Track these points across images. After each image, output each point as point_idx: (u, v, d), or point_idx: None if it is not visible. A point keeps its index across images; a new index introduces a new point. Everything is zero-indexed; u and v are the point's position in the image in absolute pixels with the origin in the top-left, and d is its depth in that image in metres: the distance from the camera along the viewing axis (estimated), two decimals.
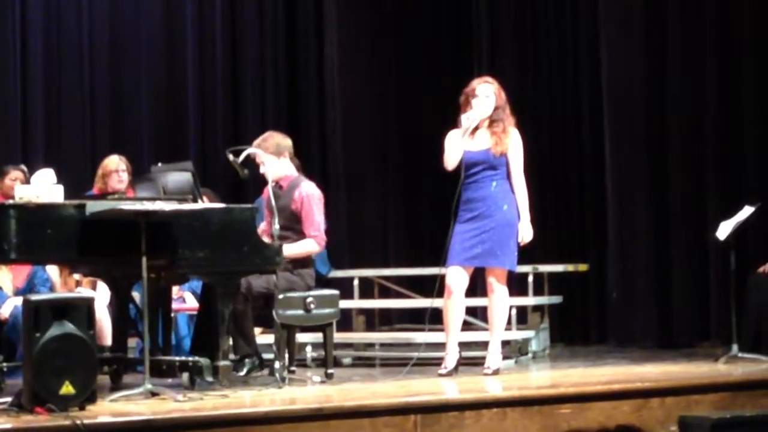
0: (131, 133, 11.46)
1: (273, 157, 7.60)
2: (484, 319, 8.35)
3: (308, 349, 9.04)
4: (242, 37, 12.01)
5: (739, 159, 9.92)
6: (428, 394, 6.56)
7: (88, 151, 11.16)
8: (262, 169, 7.55)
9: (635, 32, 10.40)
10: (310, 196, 7.61)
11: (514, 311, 8.92)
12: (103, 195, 8.33)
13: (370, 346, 9.89)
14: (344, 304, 8.82)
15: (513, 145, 7.65)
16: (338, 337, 8.70)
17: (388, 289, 10.84)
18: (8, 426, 5.44)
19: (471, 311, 9.29)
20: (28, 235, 6.54)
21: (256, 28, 12.02)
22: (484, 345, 7.97)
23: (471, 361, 8.02)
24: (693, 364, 8.14)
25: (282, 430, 5.82)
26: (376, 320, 10.61)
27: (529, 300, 9.63)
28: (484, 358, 7.76)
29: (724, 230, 8.46)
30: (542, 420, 6.37)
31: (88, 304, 6.12)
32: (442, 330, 7.77)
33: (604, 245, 10.57)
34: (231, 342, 7.28)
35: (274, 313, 7.23)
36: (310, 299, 7.47)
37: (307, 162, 9.25)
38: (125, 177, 8.80)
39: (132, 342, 7.97)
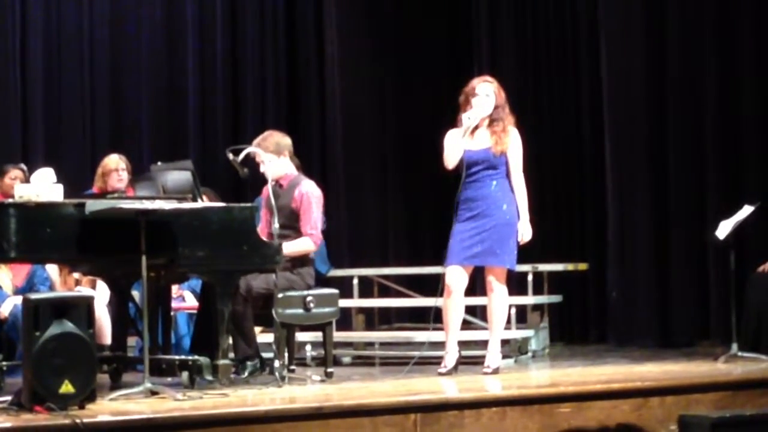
0: (131, 132, 11.47)
1: (273, 155, 7.60)
2: (484, 318, 8.35)
3: (308, 348, 9.04)
4: (242, 36, 12.01)
5: (739, 158, 9.92)
6: (428, 393, 6.55)
7: (88, 150, 11.17)
8: (262, 168, 7.55)
9: (635, 32, 10.40)
10: (309, 194, 7.61)
11: (513, 310, 8.93)
12: (103, 194, 8.34)
13: (369, 345, 9.90)
14: (344, 303, 8.83)
15: (513, 145, 7.64)
16: (338, 336, 8.70)
17: (388, 288, 10.85)
18: (8, 425, 5.43)
19: (470, 310, 9.29)
20: (28, 234, 6.54)
21: (256, 28, 12.02)
22: (483, 344, 7.97)
23: (471, 360, 8.02)
24: (693, 363, 8.14)
25: (282, 429, 5.82)
26: (376, 319, 10.62)
27: (529, 299, 9.63)
28: (483, 357, 7.76)
29: (723, 229, 8.46)
30: (542, 419, 6.37)
31: (87, 303, 6.12)
32: (442, 329, 7.77)
33: (604, 244, 10.58)
34: (230, 342, 7.27)
35: (273, 312, 7.23)
36: (309, 298, 7.47)
37: (307, 161, 9.25)
38: (125, 176, 8.80)
39: (132, 341, 7.97)
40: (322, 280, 9.17)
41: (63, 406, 5.75)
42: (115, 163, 8.85)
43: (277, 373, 7.04)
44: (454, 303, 7.59)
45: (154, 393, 6.39)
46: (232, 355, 7.30)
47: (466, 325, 8.45)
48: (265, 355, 7.55)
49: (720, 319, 9.57)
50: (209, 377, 6.80)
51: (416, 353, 8.07)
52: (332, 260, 10.45)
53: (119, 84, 11.57)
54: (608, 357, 9.01)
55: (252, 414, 5.88)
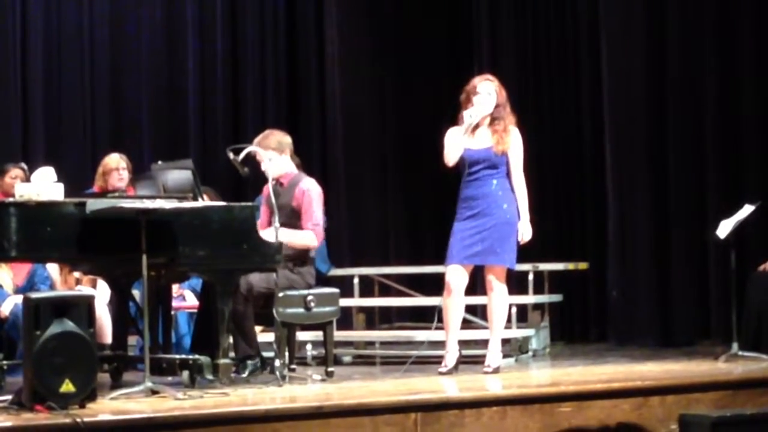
0: (131, 132, 11.47)
1: (274, 153, 7.60)
2: (484, 317, 8.35)
3: (308, 347, 9.04)
4: (242, 36, 12.01)
5: (739, 158, 9.93)
6: (428, 392, 6.55)
7: (89, 150, 11.17)
8: (263, 167, 7.55)
9: (635, 32, 10.40)
10: (310, 191, 7.61)
11: (514, 309, 8.93)
12: (104, 193, 8.34)
13: (370, 344, 9.90)
14: (344, 302, 8.84)
15: (514, 144, 7.64)
16: (338, 335, 8.70)
17: (389, 288, 10.86)
18: (8, 424, 5.43)
19: (471, 309, 9.29)
20: (29, 233, 6.54)
21: (256, 27, 12.02)
22: (484, 343, 7.97)
23: (471, 360, 8.03)
24: (693, 363, 8.14)
25: (282, 429, 5.81)
26: (377, 318, 10.61)
27: (530, 298, 9.63)
28: (484, 356, 7.76)
29: (724, 229, 8.46)
30: (542, 418, 6.37)
31: (88, 302, 6.12)
32: (443, 328, 7.76)
33: (604, 243, 10.58)
34: (231, 341, 7.27)
35: (274, 311, 7.22)
36: (310, 297, 7.47)
37: (307, 161, 9.24)
38: (125, 175, 8.81)
39: (132, 340, 7.98)
40: (322, 280, 9.18)
41: (63, 405, 5.75)
42: (115, 163, 8.85)
43: (277, 373, 7.04)
44: (454, 302, 7.59)
45: (154, 392, 6.39)
46: (232, 354, 7.30)
47: (466, 324, 8.45)
48: (266, 354, 7.55)
49: (720, 319, 9.57)
50: (210, 376, 6.80)
51: (415, 352, 8.06)
52: (333, 259, 10.46)
53: (120, 83, 11.57)
54: (609, 356, 9.01)
55: (252, 413, 5.88)
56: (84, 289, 8.31)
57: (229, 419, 5.77)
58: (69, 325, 5.95)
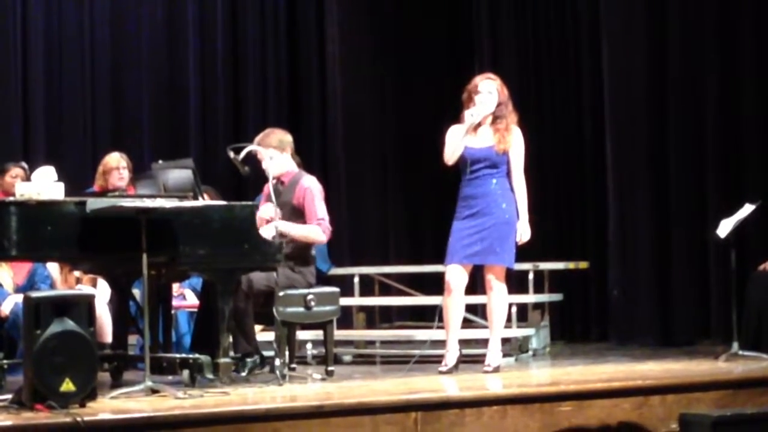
0: (132, 131, 11.47)
1: (275, 151, 7.59)
2: (484, 316, 8.34)
3: (309, 346, 9.04)
4: (243, 35, 12.01)
5: (740, 157, 9.93)
6: (429, 391, 6.55)
7: (89, 149, 11.17)
8: (264, 165, 7.55)
9: (636, 32, 10.40)
10: (311, 189, 7.61)
11: (514, 309, 8.93)
12: (104, 192, 8.34)
13: (370, 343, 9.91)
14: (345, 301, 8.84)
15: (515, 144, 7.63)
16: (339, 334, 8.70)
17: (389, 287, 10.86)
18: (8, 423, 5.43)
19: (471, 309, 9.29)
20: (29, 232, 6.54)
21: (257, 26, 12.02)
22: (484, 342, 7.97)
23: (471, 359, 8.02)
24: (694, 362, 8.14)
25: (282, 428, 5.81)
26: (377, 317, 10.62)
27: (530, 297, 9.63)
28: (484, 355, 7.76)
29: (724, 228, 8.46)
30: (543, 418, 6.37)
31: (88, 301, 6.12)
32: (443, 327, 7.76)
33: (605, 243, 10.58)
34: (231, 339, 7.27)
35: (274, 310, 7.22)
36: (310, 296, 7.46)
37: (307, 160, 9.24)
38: (126, 174, 8.81)
39: (132, 339, 7.98)
40: (322, 279, 9.17)
41: (64, 405, 5.75)
42: (116, 162, 8.85)
43: (277, 372, 7.04)
44: (454, 301, 7.59)
45: (154, 391, 6.39)
46: (232, 353, 7.30)
47: (466, 323, 8.44)
48: (266, 353, 7.55)
49: (721, 318, 9.57)
50: (210, 375, 6.80)
51: (417, 351, 8.07)
52: (333, 258, 10.46)
53: (120, 83, 11.57)
54: (609, 355, 9.01)
55: (253, 412, 5.88)
56: (84, 288, 8.31)
57: (230, 418, 5.77)
58: (69, 324, 5.95)
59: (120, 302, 7.65)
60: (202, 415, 5.75)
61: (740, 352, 8.21)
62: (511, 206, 7.58)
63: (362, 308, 10.27)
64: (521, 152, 7.66)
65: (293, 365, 7.55)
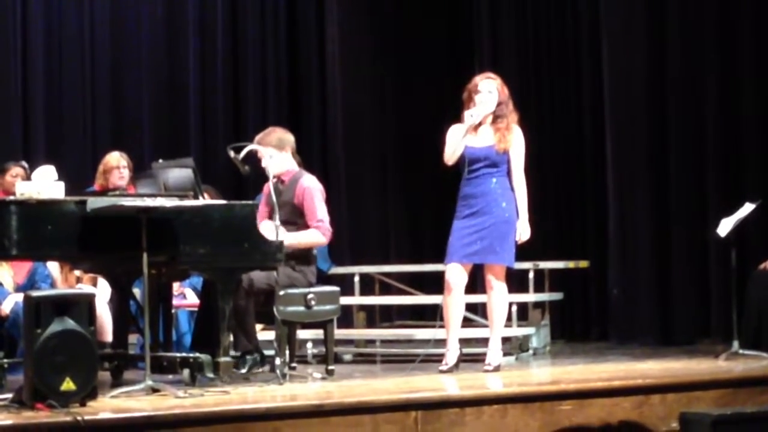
0: (132, 130, 11.48)
1: (274, 150, 7.59)
2: (485, 315, 8.35)
3: (309, 345, 9.04)
4: (243, 34, 12.02)
5: (740, 156, 9.93)
6: (429, 390, 6.54)
7: (89, 148, 11.18)
8: (263, 163, 7.55)
9: (636, 32, 10.40)
10: (311, 188, 7.60)
11: (514, 308, 8.93)
12: (104, 191, 8.34)
13: (370, 342, 9.91)
14: (345, 300, 8.84)
15: (516, 143, 7.63)
16: (339, 333, 8.70)
17: (389, 286, 10.86)
18: (9, 422, 5.43)
19: (471, 308, 9.30)
20: (29, 232, 6.54)
21: (257, 26, 12.03)
22: (484, 342, 7.97)
23: (471, 358, 8.03)
24: (694, 361, 8.14)
25: (282, 427, 5.81)
26: (377, 317, 10.62)
27: (530, 297, 9.63)
28: (484, 354, 7.76)
29: (724, 227, 8.46)
30: (543, 416, 6.37)
31: (88, 301, 6.12)
32: (443, 326, 7.76)
33: (605, 242, 10.58)
34: (231, 338, 7.28)
35: (275, 309, 7.22)
36: (310, 296, 7.46)
37: (308, 159, 9.23)
38: (126, 173, 8.81)
39: (133, 338, 7.98)
40: (323, 278, 9.18)
41: (64, 404, 5.75)
42: (116, 161, 8.86)
43: (278, 371, 7.04)
44: (454, 300, 7.59)
45: (155, 390, 6.38)
46: (232, 351, 7.30)
47: (466, 322, 8.45)
48: (267, 352, 7.55)
49: (721, 317, 9.58)
50: (210, 374, 6.80)
51: (421, 351, 8.07)
52: (333, 258, 10.47)
53: (120, 82, 11.58)
54: (609, 354, 9.02)
55: (253, 411, 5.88)
56: (85, 288, 8.31)
57: (230, 417, 5.77)
58: (70, 323, 5.95)
59: (120, 301, 7.65)
60: (202, 414, 5.75)
61: (740, 351, 8.22)
62: (510, 205, 7.58)
63: (362, 307, 10.27)
64: (521, 151, 7.66)
65: (293, 364, 7.55)
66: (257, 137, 7.70)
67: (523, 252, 7.88)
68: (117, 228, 6.64)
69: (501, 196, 7.57)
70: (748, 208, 8.49)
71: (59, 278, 8.51)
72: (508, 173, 7.63)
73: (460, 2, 11.92)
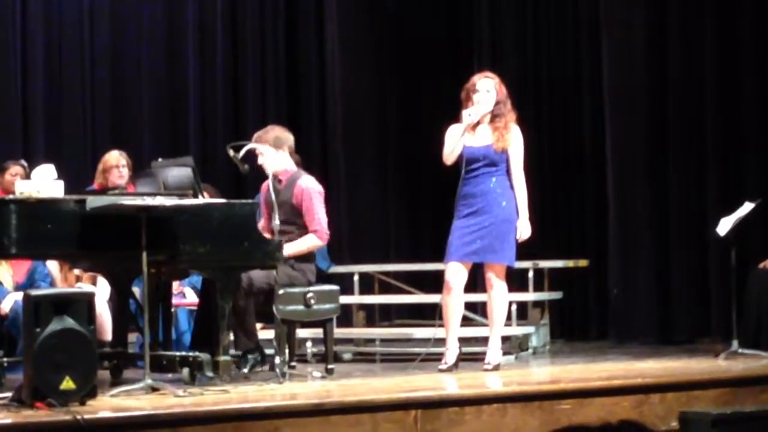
0: (132, 129, 11.47)
1: (271, 149, 7.58)
2: (484, 314, 8.35)
3: (308, 344, 9.02)
4: (243, 33, 12.01)
5: (740, 155, 9.94)
6: (429, 389, 6.55)
7: (89, 147, 11.17)
8: (260, 160, 7.55)
9: (636, 31, 10.40)
10: (310, 189, 7.59)
11: (514, 307, 8.93)
12: (104, 190, 8.33)
13: (370, 341, 9.90)
14: (344, 299, 8.84)
15: (514, 142, 7.63)
16: (338, 332, 8.69)
17: (389, 285, 10.85)
18: (8, 421, 5.43)
19: (471, 307, 9.29)
20: (29, 230, 6.53)
21: (256, 24, 12.02)
22: (484, 341, 7.98)
23: (471, 357, 8.03)
24: (693, 360, 8.15)
25: (282, 426, 5.81)
26: (377, 316, 10.62)
27: (530, 296, 9.63)
28: (484, 353, 7.76)
29: (724, 226, 8.47)
30: (542, 415, 6.37)
31: (88, 299, 6.11)
32: (443, 325, 7.77)
33: (605, 241, 10.58)
34: (231, 337, 7.28)
35: (274, 308, 7.22)
36: (310, 295, 7.46)
37: (307, 158, 9.24)
38: (126, 172, 8.81)
39: (132, 337, 7.98)
40: (322, 277, 9.17)
41: (64, 402, 5.75)
42: (115, 160, 8.86)
43: (277, 370, 7.04)
44: (454, 299, 7.59)
45: (154, 389, 6.38)
46: (232, 350, 7.30)
47: (466, 321, 8.45)
48: (266, 351, 7.54)
49: (721, 316, 9.58)
50: (210, 373, 6.79)
51: (420, 350, 8.07)
52: (333, 257, 10.46)
53: (120, 81, 11.57)
54: (609, 353, 9.02)
55: (253, 410, 5.88)
56: (84, 286, 8.31)
57: (230, 416, 5.76)
58: (69, 322, 5.94)
59: (120, 300, 7.64)
60: (202, 413, 5.75)
61: (740, 350, 8.22)
62: (510, 204, 7.58)
63: (362, 306, 10.27)
64: (520, 150, 7.66)
65: (293, 363, 7.55)
66: (255, 135, 7.70)
67: (523, 251, 7.87)
68: (116, 227, 6.64)
69: (501, 196, 7.56)
70: (747, 207, 8.49)
71: (59, 277, 8.51)
72: (508, 172, 7.63)
73: (460, 2, 11.91)
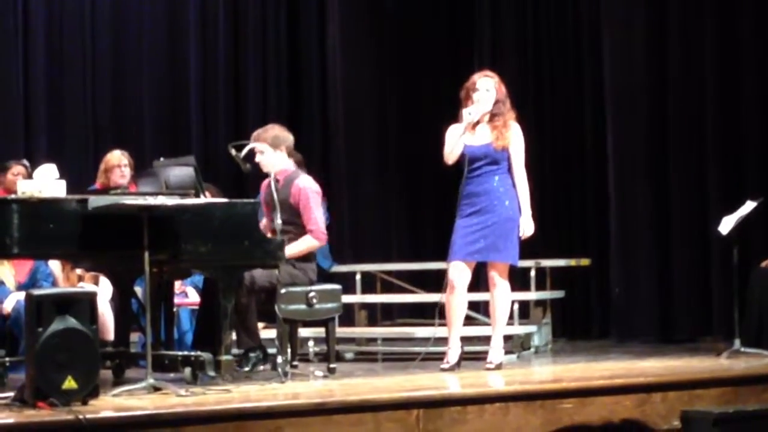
0: (133, 128, 11.47)
1: (269, 148, 7.58)
2: (487, 313, 8.34)
3: (310, 343, 9.02)
4: (244, 31, 12.00)
5: (741, 154, 9.94)
6: (431, 388, 6.55)
7: (91, 146, 11.16)
8: (257, 158, 7.54)
9: (636, 31, 10.40)
10: (307, 189, 7.59)
11: (516, 306, 8.92)
12: (106, 190, 8.34)
13: (372, 340, 9.91)
14: (346, 298, 8.84)
15: (514, 140, 7.63)
16: (340, 331, 8.70)
17: (391, 284, 10.85)
18: (11, 421, 5.44)
19: (473, 306, 9.29)
20: (31, 230, 6.54)
21: (258, 23, 12.02)
22: (486, 340, 7.98)
23: (473, 356, 8.03)
24: (695, 359, 8.15)
25: (284, 425, 5.81)
26: (379, 315, 10.62)
27: (532, 295, 9.63)
28: (486, 352, 7.76)
29: (726, 225, 8.46)
30: (545, 414, 6.37)
31: (90, 299, 6.12)
32: (446, 325, 7.77)
33: (606, 240, 10.58)
34: (234, 336, 7.28)
35: (276, 307, 7.22)
36: (312, 294, 7.46)
37: (309, 156, 9.25)
38: (127, 172, 8.81)
39: (134, 337, 7.98)
40: (324, 276, 9.18)
41: (66, 402, 5.75)
42: (117, 159, 8.86)
43: (279, 369, 7.04)
44: (456, 298, 7.59)
45: (156, 389, 6.38)
46: (235, 349, 7.30)
47: (468, 320, 8.45)
48: (268, 350, 7.54)
49: (722, 315, 9.57)
50: (212, 373, 6.79)
51: (422, 349, 8.07)
52: (335, 256, 10.46)
53: (121, 80, 11.57)
54: (611, 352, 9.02)
55: (255, 410, 5.88)
56: (86, 286, 8.31)
57: (231, 416, 5.77)
58: (71, 321, 5.95)
59: (122, 300, 7.65)
60: (204, 412, 5.75)
61: (742, 349, 8.21)
62: (513, 203, 7.58)
63: (364, 305, 10.27)
64: (521, 148, 7.66)
65: (295, 363, 7.54)
66: (255, 133, 7.70)
67: (525, 250, 7.87)
68: (118, 226, 6.64)
69: (503, 194, 7.57)
70: (749, 206, 8.49)
71: (61, 277, 8.51)
72: (510, 170, 7.63)
73: (460, 2, 11.91)
